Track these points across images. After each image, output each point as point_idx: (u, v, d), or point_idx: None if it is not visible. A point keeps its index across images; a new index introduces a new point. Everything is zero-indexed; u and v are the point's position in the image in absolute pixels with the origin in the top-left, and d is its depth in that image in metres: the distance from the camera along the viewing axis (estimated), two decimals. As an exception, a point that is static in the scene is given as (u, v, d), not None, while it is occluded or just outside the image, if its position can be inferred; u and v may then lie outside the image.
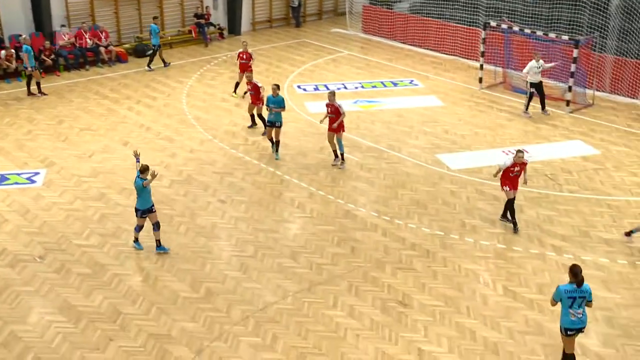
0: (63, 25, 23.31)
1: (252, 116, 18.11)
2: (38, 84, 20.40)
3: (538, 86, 18.76)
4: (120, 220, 13.63)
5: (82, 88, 21.41)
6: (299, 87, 21.63)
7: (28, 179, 15.35)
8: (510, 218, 13.36)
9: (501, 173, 13.16)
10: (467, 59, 23.87)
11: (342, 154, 15.98)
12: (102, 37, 23.82)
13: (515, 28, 20.37)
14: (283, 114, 16.38)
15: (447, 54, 24.69)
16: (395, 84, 22.03)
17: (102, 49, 23.56)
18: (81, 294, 11.39)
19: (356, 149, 17.06)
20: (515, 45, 21.33)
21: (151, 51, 23.51)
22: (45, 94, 20.39)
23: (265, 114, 17.04)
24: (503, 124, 18.67)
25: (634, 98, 19.85)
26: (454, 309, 11.06)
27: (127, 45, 24.97)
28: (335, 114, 15.60)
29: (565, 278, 11.71)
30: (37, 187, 14.96)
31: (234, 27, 28.15)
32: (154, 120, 19.00)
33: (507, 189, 13.10)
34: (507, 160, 13.14)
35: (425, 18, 25.59)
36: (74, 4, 23.99)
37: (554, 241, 12.92)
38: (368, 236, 13.21)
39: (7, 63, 21.25)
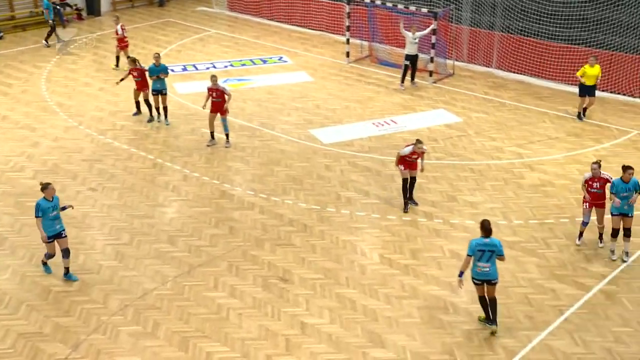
0: None
1: (138, 103, 17.43)
2: None
3: (413, 58, 19.38)
4: (-20, 217, 12.77)
5: None
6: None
7: None
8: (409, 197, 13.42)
9: (399, 158, 13.23)
10: (334, 33, 24.20)
11: (227, 134, 15.90)
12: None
13: (378, 2, 20.87)
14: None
15: (313, 29, 24.90)
16: (264, 62, 21.97)
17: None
18: (-60, 298, 10.62)
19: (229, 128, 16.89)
20: (379, 18, 21.90)
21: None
22: None
23: (152, 99, 17.06)
24: (371, 96, 19.16)
25: (488, 67, 21.00)
26: (334, 281, 11.33)
27: (-26, 29, 23.23)
28: (220, 98, 15.50)
29: (437, 242, 12.38)
30: None
31: (92, 7, 26.87)
32: (10, 108, 17.86)
33: (402, 167, 13.18)
34: (407, 149, 13.14)
35: (290, -6, 25.62)
36: None
37: (425, 208, 13.51)
38: (246, 215, 13.20)
39: None
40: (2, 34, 23.48)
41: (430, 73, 20.20)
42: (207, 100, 15.73)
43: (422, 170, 13.44)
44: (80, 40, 23.84)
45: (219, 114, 15.68)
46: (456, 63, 21.11)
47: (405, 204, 13.43)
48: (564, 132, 16.81)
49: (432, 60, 20.10)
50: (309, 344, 9.93)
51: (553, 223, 12.95)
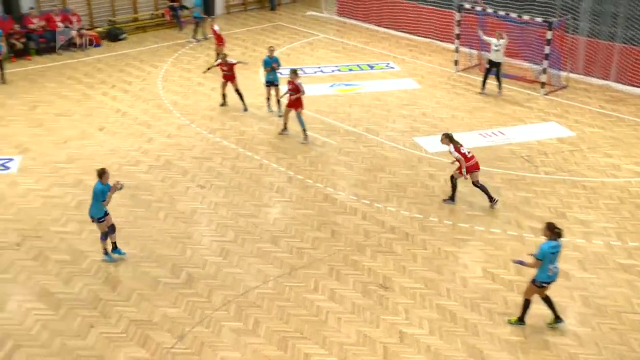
0: (32, 8, 22.77)
1: (224, 95, 18.54)
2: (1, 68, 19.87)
3: (496, 65, 18.90)
4: (98, 207, 13.47)
5: (55, 73, 21.05)
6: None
7: (2, 165, 15.09)
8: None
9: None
10: (443, 41, 23.90)
11: (303, 130, 16.35)
12: (74, 21, 23.38)
13: (489, 10, 20.42)
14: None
15: (422, 36, 24.69)
16: (372, 67, 22.00)
17: (74, 33, 23.14)
18: (60, 280, 11.28)
19: (334, 133, 17.04)
20: (490, 27, 21.39)
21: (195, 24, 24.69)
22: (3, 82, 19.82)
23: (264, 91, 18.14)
24: (480, 106, 18.78)
25: (606, 79, 20.06)
26: (434, 292, 11.16)
27: (100, 29, 24.57)
28: (295, 91, 16.14)
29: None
30: (12, 173, 14.72)
31: (207, 10, 27.79)
32: (130, 105, 18.77)
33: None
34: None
35: (400, 1, 25.52)
36: (44, -14, 23.55)
37: (532, 223, 13.08)
38: (348, 220, 13.24)
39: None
40: (125, 34, 24.73)
41: (542, 84, 19.54)
42: (285, 93, 16.45)
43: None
44: (195, 41, 24.72)
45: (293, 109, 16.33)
46: (570, 75, 20.31)
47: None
48: (686, 152, 15.83)
49: (544, 71, 19.44)
50: (407, 353, 9.83)
51: (671, 247, 12.22)
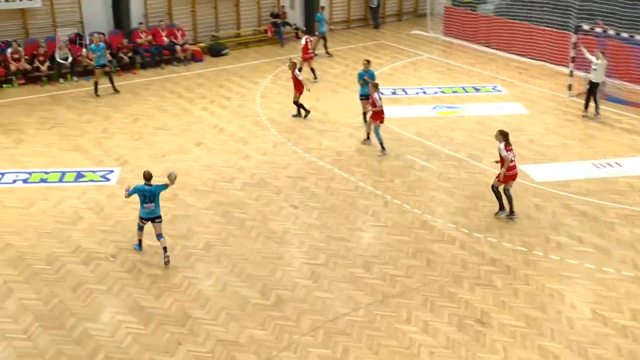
0: (141, 23, 24.01)
1: (297, 104, 19.17)
2: (95, 84, 20.79)
3: (594, 85, 18.18)
4: (192, 222, 13.89)
5: (158, 86, 22.00)
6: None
7: (103, 176, 15.87)
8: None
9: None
10: (556, 64, 23.21)
11: (381, 143, 16.91)
12: (179, 36, 24.40)
13: (611, 32, 19.65)
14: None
15: (534, 58, 24.09)
16: (477, 90, 21.65)
17: (177, 48, 24.15)
18: (151, 295, 11.66)
19: (435, 157, 16.85)
20: (611, 50, 20.56)
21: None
22: (98, 95, 20.73)
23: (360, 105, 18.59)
24: (594, 134, 18.05)
25: None
26: (537, 331, 10.73)
27: (202, 44, 25.52)
28: (372, 105, 16.77)
29: (661, 304, 11.25)
30: (112, 185, 15.45)
31: (310, 27, 28.30)
32: (228, 121, 19.32)
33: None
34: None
35: (511, 21, 25.06)
36: (153, 3, 24.74)
37: (649, 263, 12.39)
38: (445, 249, 13.02)
39: (87, 60, 22.00)
40: (227, 50, 25.57)
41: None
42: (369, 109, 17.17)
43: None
44: (295, 58, 25.15)
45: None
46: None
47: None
48: None
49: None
50: (503, 396, 9.49)
51: None
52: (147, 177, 12.45)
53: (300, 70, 21.95)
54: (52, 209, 14.39)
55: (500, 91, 21.53)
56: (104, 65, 20.86)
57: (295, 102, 19.21)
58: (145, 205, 12.44)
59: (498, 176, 13.87)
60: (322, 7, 25.97)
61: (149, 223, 12.59)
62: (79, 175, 15.90)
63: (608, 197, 14.73)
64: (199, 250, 13.00)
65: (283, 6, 27.31)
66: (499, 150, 13.73)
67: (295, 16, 28.04)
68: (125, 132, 18.40)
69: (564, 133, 18.23)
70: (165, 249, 12.53)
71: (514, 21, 24.96)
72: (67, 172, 16.04)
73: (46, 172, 16.01)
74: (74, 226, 13.76)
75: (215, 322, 11.00)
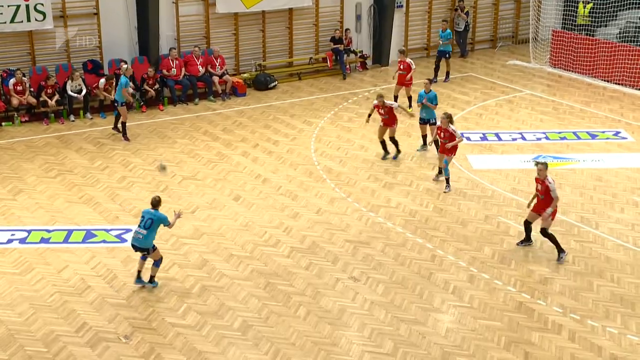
0: (173, 49, 24.70)
1: (383, 142, 20.12)
2: (124, 125, 21.50)
3: None
4: (226, 296, 14.05)
5: (189, 126, 22.61)
6: (461, 134, 21.61)
7: (118, 236, 16.27)
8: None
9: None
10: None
11: (447, 179, 18.29)
12: (217, 64, 25.06)
13: None
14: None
15: (670, 96, 23.91)
16: (593, 137, 21.52)
17: (215, 79, 24.81)
18: (170, 386, 11.79)
19: (535, 221, 16.71)
20: None
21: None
22: (127, 139, 21.41)
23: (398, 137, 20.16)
24: None
25: None
26: None
27: (245, 75, 26.16)
28: (449, 140, 18.04)
29: None
30: (128, 247, 15.72)
31: (380, 55, 28.76)
32: (273, 170, 19.65)
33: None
34: None
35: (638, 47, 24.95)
36: (186, 24, 25.57)
37: None
38: (549, 340, 12.86)
39: (104, 94, 22.79)
40: (276, 82, 26.12)
41: None
42: (434, 138, 19.01)
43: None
44: (361, 93, 25.59)
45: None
46: None
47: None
48: None
49: None
50: None
51: None
52: (153, 203, 14.09)
53: (396, 99, 23.13)
54: (54, 276, 14.76)
55: (624, 138, 21.39)
56: (122, 103, 21.27)
57: (391, 138, 20.03)
58: (137, 229, 13.95)
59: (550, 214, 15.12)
60: (445, 21, 27.17)
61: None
62: (89, 235, 16.34)
63: None
64: (233, 331, 13.11)
65: (347, 30, 27.82)
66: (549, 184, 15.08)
67: (362, 41, 28.52)
68: (147, 182, 18.90)
69: None
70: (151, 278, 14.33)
71: (642, 49, 24.85)
72: (74, 230, 16.52)
73: (48, 231, 16.49)
74: (79, 298, 14.07)
75: None
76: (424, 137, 20.50)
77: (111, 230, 16.52)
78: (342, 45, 27.34)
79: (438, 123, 18.77)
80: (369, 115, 20.40)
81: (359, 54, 28.25)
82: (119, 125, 21.58)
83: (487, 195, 18.02)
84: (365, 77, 27.59)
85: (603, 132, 21.80)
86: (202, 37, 25.83)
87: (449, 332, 13.15)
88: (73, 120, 22.84)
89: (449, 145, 18.07)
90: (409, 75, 23.12)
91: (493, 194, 18.04)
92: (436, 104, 20.12)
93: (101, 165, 19.83)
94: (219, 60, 25.12)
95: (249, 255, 15.45)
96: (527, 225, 15.63)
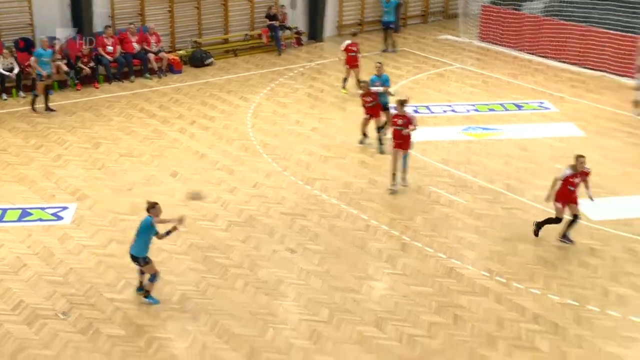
0: (108, 27, 24.31)
1: (365, 135, 19.35)
2: (35, 98, 21.35)
3: None
4: (164, 271, 14.01)
5: (125, 104, 22.40)
6: (394, 108, 21.83)
7: (54, 214, 16.09)
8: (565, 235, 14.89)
9: (558, 187, 14.52)
10: (619, 75, 23.51)
11: (404, 170, 17.09)
12: (152, 42, 24.80)
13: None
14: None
15: (591, 68, 24.41)
16: (519, 107, 21.94)
17: (151, 56, 24.58)
18: (112, 360, 11.79)
19: (464, 190, 17.06)
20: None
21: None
22: (34, 110, 21.31)
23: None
24: (666, 162, 18.28)
25: None
26: (590, 405, 10.84)
27: (181, 52, 25.95)
28: (406, 125, 16.68)
29: None
30: (65, 225, 15.65)
31: (314, 31, 28.76)
32: (210, 145, 19.62)
33: (561, 206, 14.60)
34: (567, 170, 14.58)
35: (564, 22, 25.40)
36: (121, 1, 25.22)
37: None
38: (477, 302, 13.15)
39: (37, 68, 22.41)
40: (212, 59, 25.99)
41: None
42: (391, 129, 17.25)
43: (591, 199, 14.75)
44: (296, 68, 25.62)
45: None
46: None
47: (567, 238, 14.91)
48: None
49: None
50: None
51: None
52: (147, 207, 12.92)
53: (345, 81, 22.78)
54: (-11, 255, 14.59)
55: (548, 109, 21.81)
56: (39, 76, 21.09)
57: (379, 128, 19.20)
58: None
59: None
60: None
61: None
62: (24, 214, 16.12)
63: (681, 239, 14.89)
64: (172, 304, 13.13)
65: (283, 6, 27.77)
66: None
67: (297, 18, 28.48)
68: (83, 159, 18.70)
69: (627, 160, 18.46)
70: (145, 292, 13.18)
71: (568, 23, 25.29)
72: (9, 209, 16.27)
73: (-17, 210, 16.25)
74: (15, 276, 13.89)
75: (189, 393, 11.12)
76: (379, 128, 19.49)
77: (47, 208, 16.32)
78: (277, 22, 27.29)
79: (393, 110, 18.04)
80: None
81: (293, 30, 28.23)
82: (50, 105, 21.40)
83: (420, 166, 18.25)
84: (301, 53, 27.61)
85: (528, 103, 22.23)
86: (137, 15, 25.53)
87: (382, 298, 13.39)
88: (5, 99, 22.43)
89: (406, 132, 16.64)
90: (357, 57, 22.90)
91: (425, 165, 18.30)
92: (389, 86, 19.67)
93: (36, 143, 19.53)
94: (154, 38, 24.86)
95: (187, 230, 15.43)
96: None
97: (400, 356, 11.87)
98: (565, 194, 14.58)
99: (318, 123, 20.98)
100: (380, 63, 19.95)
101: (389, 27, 27.32)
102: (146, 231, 12.72)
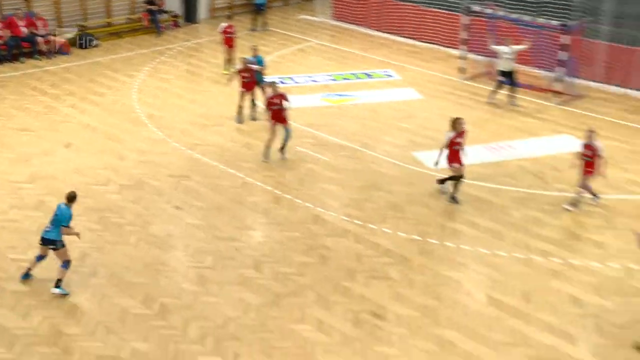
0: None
1: (241, 108, 18.69)
2: None
3: (509, 74, 19.22)
4: (63, 231, 13.63)
5: (17, 83, 21.34)
6: (269, 91, 21.78)
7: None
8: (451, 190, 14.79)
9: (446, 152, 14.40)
10: (448, 47, 24.25)
11: (284, 145, 16.57)
12: (40, 26, 23.69)
13: (500, 13, 20.78)
14: None
15: (425, 42, 25.05)
16: (369, 76, 22.31)
17: (39, 39, 23.46)
18: (16, 314, 11.36)
19: (325, 148, 17.28)
20: (501, 32, 21.72)
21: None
22: None
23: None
24: (487, 118, 19.05)
25: (626, 88, 20.33)
26: (433, 320, 11.31)
27: (68, 35, 24.89)
28: (281, 104, 16.28)
29: (554, 285, 12.11)
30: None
31: (190, 14, 28.24)
32: (100, 119, 19.04)
33: (458, 165, 14.46)
34: (449, 134, 14.49)
35: (402, 3, 25.92)
36: (7, -13, 23.92)
37: (542, 244, 13.27)
38: (339, 243, 13.42)
39: None
40: (97, 41, 25.09)
41: (556, 94, 19.83)
42: (268, 107, 16.54)
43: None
44: (175, 48, 25.11)
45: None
46: (588, 83, 20.60)
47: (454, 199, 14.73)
48: None
49: (559, 79, 19.74)
50: (400, 389, 9.97)
51: (696, 271, 12.39)
52: (69, 196, 11.92)
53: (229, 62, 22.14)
54: None
55: (392, 76, 22.26)
56: None
57: (253, 100, 18.81)
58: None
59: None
60: None
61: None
62: None
63: (501, 180, 15.64)
64: (72, 260, 12.75)
65: (160, -8, 27.07)
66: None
67: (173, 3, 27.85)
68: (-19, 136, 17.78)
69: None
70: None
71: (404, 4, 25.82)
72: None
73: None
74: None
75: (92, 338, 10.89)
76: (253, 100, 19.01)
77: (-49, 181, 15.48)
78: (156, 6, 26.64)
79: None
80: (230, 79, 19.17)
81: (171, 14, 27.61)
82: None
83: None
84: (179, 34, 27.04)
85: (376, 72, 22.62)
86: (23, 1, 24.26)
87: (259, 244, 13.49)
88: None
89: (286, 105, 16.30)
90: (233, 38, 22.38)
91: (292, 128, 18.38)
92: (263, 66, 19.08)
93: None
94: (41, 22, 23.75)
95: (82, 195, 14.86)
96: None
97: (276, 292, 12.02)
98: (454, 154, 14.48)
99: (197, 95, 20.70)
100: (255, 45, 19.63)
101: (261, 9, 27.10)
102: (64, 220, 11.76)
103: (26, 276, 12.19)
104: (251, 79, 18.49)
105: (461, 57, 21.87)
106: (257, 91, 18.81)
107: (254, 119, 18.75)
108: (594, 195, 14.53)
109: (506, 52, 19.09)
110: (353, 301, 11.78)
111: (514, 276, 12.39)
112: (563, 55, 19.48)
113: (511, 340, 10.86)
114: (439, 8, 24.78)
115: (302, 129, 18.23)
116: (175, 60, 23.92)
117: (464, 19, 21.70)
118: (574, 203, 14.40)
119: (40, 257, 12.12)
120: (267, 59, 23.36)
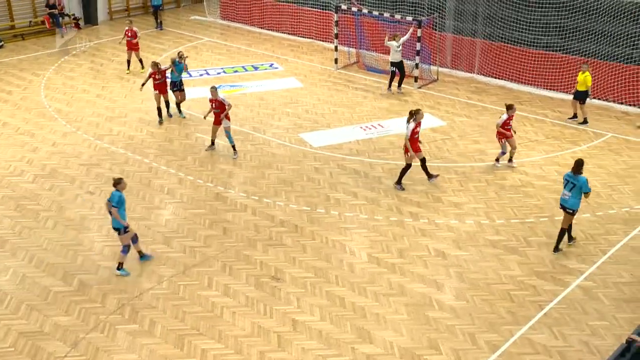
0: None
1: (160, 109, 17.34)
2: None
3: (399, 65, 19.46)
4: (-19, 220, 12.69)
5: None
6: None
7: None
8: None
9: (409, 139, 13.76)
10: (323, 41, 24.21)
11: (232, 146, 15.58)
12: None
13: (364, 10, 20.90)
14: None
15: (303, 37, 24.90)
16: (256, 68, 21.96)
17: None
18: (-57, 299, 10.52)
19: (221, 133, 16.85)
20: (366, 26, 21.92)
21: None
22: None
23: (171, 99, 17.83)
24: (359, 101, 19.19)
25: (471, 72, 21.06)
26: (324, 279, 11.33)
27: (-25, 38, 23.06)
28: (220, 109, 15.24)
29: (423, 242, 12.41)
30: None
31: (89, 16, 26.77)
32: (10, 114, 17.77)
33: (415, 153, 13.90)
34: (410, 125, 13.72)
35: (280, 3, 25.61)
36: None
37: (411, 208, 13.54)
38: (239, 216, 13.19)
39: None
40: (2, 42, 23.38)
41: (416, 79, 20.24)
42: (209, 112, 15.56)
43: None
44: (78, 47, 23.76)
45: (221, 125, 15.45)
46: (440, 69, 21.17)
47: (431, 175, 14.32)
48: (543, 135, 16.90)
49: (417, 66, 20.15)
50: (300, 340, 9.94)
51: (533, 222, 13.02)
52: (115, 182, 11.08)
53: (129, 63, 20.92)
54: None
55: (276, 68, 22.00)
56: None
57: (167, 102, 17.45)
58: None
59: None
60: None
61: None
62: None
63: (374, 155, 15.81)
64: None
65: (59, -4, 25.43)
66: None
67: (73, 6, 26.29)
68: None
69: (334, 102, 19.16)
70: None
71: (282, 3, 25.52)
72: None
73: None
74: None
75: (15, 316, 10.24)
76: (178, 104, 17.88)
77: None
78: (56, 10, 25.00)
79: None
80: (143, 84, 17.47)
81: (72, 17, 26.02)
82: None
83: (186, 118, 17.82)
84: (80, 35, 25.54)
85: (262, 65, 22.30)
86: None
87: (167, 222, 13.05)
88: None
89: (222, 116, 15.19)
90: (135, 40, 20.94)
91: (190, 117, 17.87)
92: (180, 71, 17.45)
93: None
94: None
95: (-2, 185, 14.01)
96: None
97: (185, 264, 11.69)
98: (414, 142, 13.83)
99: (101, 90, 19.69)
100: (181, 52, 17.99)
101: (158, 9, 25.99)
102: (122, 204, 10.97)
103: (144, 257, 11.68)
104: (163, 81, 17.14)
105: (334, 50, 21.88)
106: (180, 96, 17.73)
107: (170, 115, 17.77)
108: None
109: (395, 46, 19.19)
110: (254, 267, 11.62)
111: (390, 236, 12.59)
112: (418, 46, 19.86)
113: (390, 291, 11.04)
114: (313, 7, 24.66)
115: (199, 117, 17.73)
116: (79, 59, 22.61)
117: (335, 16, 21.67)
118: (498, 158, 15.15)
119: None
120: (165, 56, 22.59)
